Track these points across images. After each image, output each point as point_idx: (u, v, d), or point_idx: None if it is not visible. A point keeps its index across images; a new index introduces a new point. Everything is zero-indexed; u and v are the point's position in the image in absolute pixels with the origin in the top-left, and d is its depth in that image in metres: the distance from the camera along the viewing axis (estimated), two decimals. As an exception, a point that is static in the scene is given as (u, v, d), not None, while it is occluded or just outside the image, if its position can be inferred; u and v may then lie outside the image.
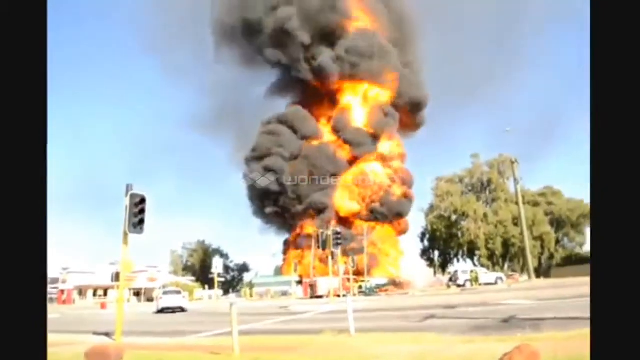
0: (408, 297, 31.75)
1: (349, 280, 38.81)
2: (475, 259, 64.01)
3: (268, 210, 56.06)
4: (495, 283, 38.37)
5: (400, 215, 56.57)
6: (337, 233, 30.93)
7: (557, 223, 64.66)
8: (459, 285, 38.72)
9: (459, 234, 64.23)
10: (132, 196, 11.01)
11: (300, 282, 47.65)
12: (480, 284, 37.42)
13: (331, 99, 57.38)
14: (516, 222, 56.22)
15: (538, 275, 51.10)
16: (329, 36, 53.45)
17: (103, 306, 41.50)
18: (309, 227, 51.90)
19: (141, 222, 11.12)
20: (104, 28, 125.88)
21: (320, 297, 37.02)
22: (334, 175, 52.91)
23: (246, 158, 55.15)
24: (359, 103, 56.41)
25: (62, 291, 56.36)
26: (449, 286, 41.10)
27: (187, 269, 79.85)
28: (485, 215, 63.35)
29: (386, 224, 55.72)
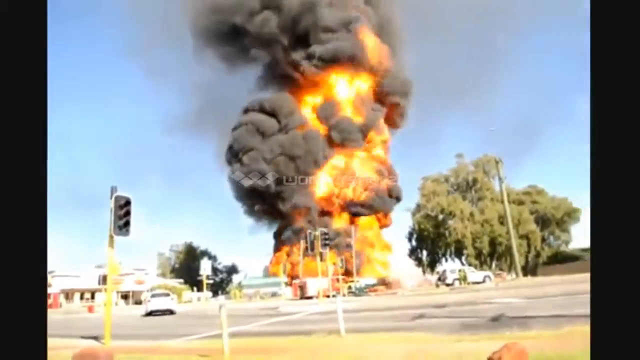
0: (397, 296, 31.87)
1: (338, 280, 38.83)
2: (463, 258, 64.51)
3: (257, 207, 56.52)
4: (483, 282, 38.65)
5: (385, 209, 56.67)
6: (325, 234, 31.04)
7: (542, 221, 65.48)
8: (447, 285, 38.96)
9: (446, 234, 64.71)
10: (117, 198, 10.91)
11: (289, 283, 47.57)
12: (468, 283, 37.68)
13: (315, 89, 57.20)
14: (502, 220, 56.86)
15: (525, 274, 51.64)
16: (308, 37, 53.44)
17: (90, 309, 41.00)
18: (298, 221, 52.20)
19: (127, 224, 11.03)
20: (85, 31, 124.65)
21: (310, 297, 36.97)
22: (321, 161, 52.66)
23: (226, 156, 54.95)
24: (345, 93, 56.35)
25: (48, 295, 55.46)
26: (437, 285, 41.32)
27: (175, 271, 79.27)
28: (471, 215, 63.91)
29: (370, 217, 55.81)
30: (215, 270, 73.06)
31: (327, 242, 31.05)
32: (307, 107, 57.33)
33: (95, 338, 12.49)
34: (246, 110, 55.59)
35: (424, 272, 63.48)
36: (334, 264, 39.95)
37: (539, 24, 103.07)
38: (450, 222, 64.56)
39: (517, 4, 79.97)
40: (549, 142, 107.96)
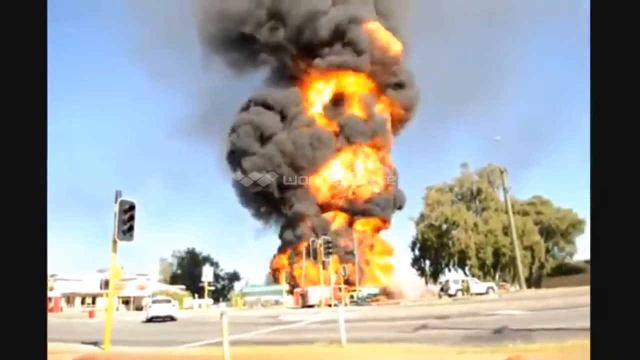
0: (400, 307, 31.68)
1: (340, 289, 38.67)
2: (466, 268, 64.15)
3: (262, 209, 57.03)
4: (487, 293, 38.40)
5: (386, 213, 56.40)
6: (328, 242, 30.98)
7: (547, 232, 65.12)
8: (450, 295, 38.72)
9: (450, 244, 64.40)
10: (122, 203, 10.92)
11: (291, 292, 47.40)
12: (471, 294, 37.46)
13: (323, 89, 57.25)
14: (506, 231, 56.49)
15: (529, 285, 51.34)
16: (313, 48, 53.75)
17: (91, 314, 40.93)
18: (299, 226, 52.27)
19: (130, 229, 11.03)
20: (88, 33, 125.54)
21: (312, 306, 36.81)
22: (325, 160, 52.58)
23: (228, 159, 54.88)
24: (353, 93, 56.37)
25: (49, 299, 55.44)
26: (440, 296, 41.08)
27: (176, 277, 79.17)
28: (475, 225, 63.63)
29: (369, 219, 55.56)
30: (217, 276, 72.89)
31: (329, 250, 30.99)
32: (314, 105, 57.42)
33: (95, 343, 12.45)
34: (246, 107, 55.11)
35: (426, 282, 63.08)
36: (337, 272, 39.79)
37: (543, 29, 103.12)
38: (454, 232, 64.27)
39: (523, 11, 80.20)
40: (554, 153, 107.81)
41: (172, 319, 27.48)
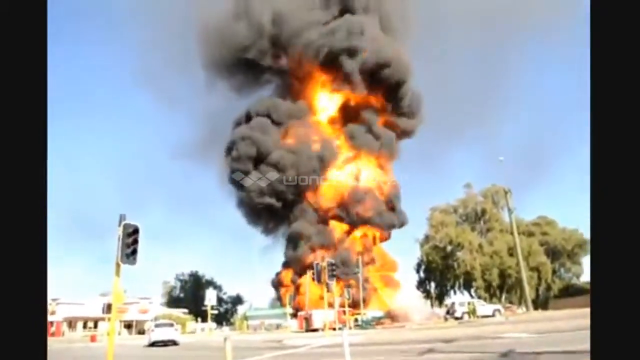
0: (405, 330, 31.22)
1: (344, 312, 38.20)
2: (472, 290, 63.40)
3: (270, 225, 57.29)
4: (493, 315, 37.83)
5: (387, 226, 56.05)
6: (332, 264, 30.70)
7: (553, 253, 64.51)
8: (456, 318, 38.15)
9: (455, 265, 63.80)
10: (126, 226, 10.92)
11: (295, 315, 46.84)
12: (477, 317, 36.91)
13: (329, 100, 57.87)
14: (512, 252, 55.95)
15: (536, 307, 50.54)
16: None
17: (93, 339, 40.50)
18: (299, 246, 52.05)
19: (134, 252, 10.99)
20: (94, 59, 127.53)
21: (316, 330, 36.31)
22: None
23: (229, 180, 54.78)
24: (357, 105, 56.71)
25: (51, 323, 54.95)
26: (446, 319, 40.47)
27: (178, 301, 78.48)
28: (480, 246, 63.12)
29: (370, 228, 55.11)
30: (220, 300, 72.23)
31: (334, 273, 30.70)
32: (320, 116, 57.97)
33: (97, 369, 12.31)
34: (248, 118, 55.24)
35: (432, 304, 62.24)
36: (341, 295, 39.36)
37: (544, 49, 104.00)
38: (459, 253, 63.74)
39: (525, 30, 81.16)
40: (557, 172, 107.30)
41: (174, 343, 27.17)
